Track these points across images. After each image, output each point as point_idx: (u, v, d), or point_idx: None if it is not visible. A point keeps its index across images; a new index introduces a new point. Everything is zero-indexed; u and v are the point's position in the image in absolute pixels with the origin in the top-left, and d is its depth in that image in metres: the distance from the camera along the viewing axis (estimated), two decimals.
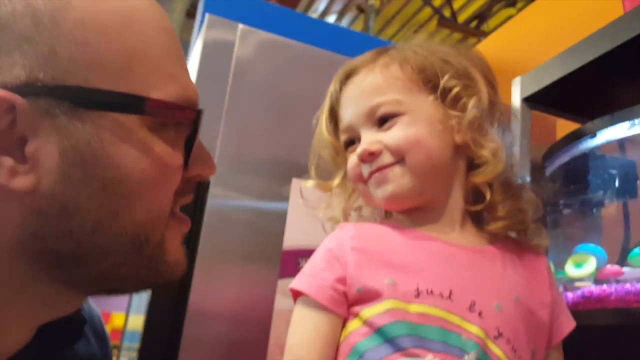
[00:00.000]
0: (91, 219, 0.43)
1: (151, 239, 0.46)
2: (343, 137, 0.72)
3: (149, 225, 0.46)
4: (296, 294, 0.66)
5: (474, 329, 0.61)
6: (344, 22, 4.64)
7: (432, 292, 0.62)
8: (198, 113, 0.47)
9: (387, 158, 0.66)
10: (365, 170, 0.67)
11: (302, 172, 0.88)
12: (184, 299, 0.87)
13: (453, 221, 0.69)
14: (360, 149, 0.67)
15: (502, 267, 0.67)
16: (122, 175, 0.43)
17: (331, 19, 4.63)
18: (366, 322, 0.62)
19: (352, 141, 0.70)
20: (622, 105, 0.84)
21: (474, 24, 4.12)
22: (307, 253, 0.92)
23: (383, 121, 0.67)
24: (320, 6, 4.44)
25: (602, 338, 0.76)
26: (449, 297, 0.62)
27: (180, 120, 0.47)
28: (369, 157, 0.66)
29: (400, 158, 0.66)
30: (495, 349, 0.61)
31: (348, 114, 0.70)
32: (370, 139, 0.67)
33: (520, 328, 0.64)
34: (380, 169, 0.66)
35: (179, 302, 0.87)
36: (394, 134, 0.66)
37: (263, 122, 0.99)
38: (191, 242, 0.91)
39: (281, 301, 0.90)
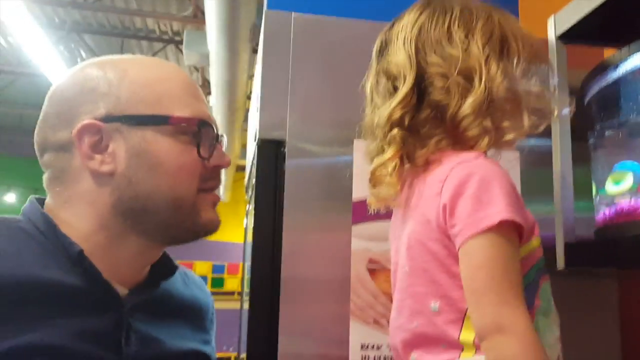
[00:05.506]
0: (146, 189, 0.72)
1: (185, 202, 0.73)
2: None
3: (181, 194, 0.73)
4: (505, 226, 0.66)
5: None
6: None
7: None
8: (200, 124, 0.75)
9: None
10: None
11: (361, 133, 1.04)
12: (279, 245, 1.07)
13: None
14: None
15: None
16: (160, 161, 0.72)
17: None
18: (531, 253, 0.73)
19: None
20: None
21: None
22: None
23: None
24: None
25: (632, 247, 0.87)
26: None
27: (190, 129, 0.74)
28: None
29: None
30: None
31: None
32: None
33: None
34: None
35: (275, 247, 1.07)
36: None
37: (325, 93, 1.16)
38: (277, 195, 1.09)
39: (355, 243, 1.09)
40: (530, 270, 0.72)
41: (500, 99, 0.75)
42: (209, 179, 0.77)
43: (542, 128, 0.80)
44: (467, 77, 0.75)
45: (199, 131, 0.74)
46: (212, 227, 0.77)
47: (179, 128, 0.73)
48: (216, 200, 0.78)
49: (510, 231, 0.67)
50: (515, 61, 0.77)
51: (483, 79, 0.74)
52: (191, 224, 0.75)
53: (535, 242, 0.73)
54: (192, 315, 0.86)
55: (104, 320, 0.69)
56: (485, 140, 0.75)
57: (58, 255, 0.69)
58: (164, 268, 0.82)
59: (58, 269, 0.67)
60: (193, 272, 0.92)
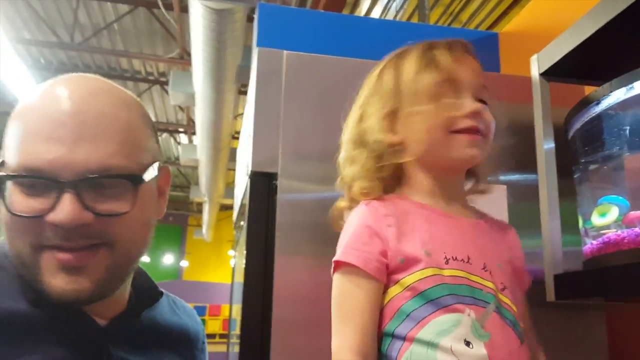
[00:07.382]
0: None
1: (25, 260, 0.65)
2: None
3: (19, 251, 0.65)
4: (340, 265, 0.78)
5: (490, 284, 0.78)
6: None
7: (455, 258, 0.78)
8: (27, 172, 0.63)
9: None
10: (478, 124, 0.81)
11: None
12: (270, 284, 1.07)
13: (454, 198, 0.85)
14: (478, 106, 0.81)
15: (492, 236, 0.84)
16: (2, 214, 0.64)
17: None
18: (408, 287, 0.75)
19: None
20: (630, 66, 0.94)
21: None
22: None
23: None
24: None
25: (620, 276, 0.88)
26: (468, 261, 0.78)
27: (21, 178, 0.63)
28: (480, 118, 0.82)
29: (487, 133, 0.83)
30: (504, 298, 0.78)
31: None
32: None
33: (513, 280, 0.82)
34: (484, 134, 0.82)
35: (266, 287, 1.07)
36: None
37: (316, 129, 1.17)
38: (269, 232, 1.09)
39: None
40: (409, 302, 0.75)
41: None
42: (48, 236, 0.64)
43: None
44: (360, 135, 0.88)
45: (19, 182, 0.64)
46: (60, 296, 0.64)
47: (10, 176, 0.64)
48: (65, 261, 0.64)
49: (347, 270, 0.77)
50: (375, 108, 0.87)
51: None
52: (39, 285, 0.65)
53: (419, 274, 0.76)
54: (180, 344, 0.83)
55: (84, 352, 0.67)
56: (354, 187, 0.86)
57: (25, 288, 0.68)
58: (148, 295, 0.79)
59: (26, 301, 0.67)
60: (182, 300, 0.91)
